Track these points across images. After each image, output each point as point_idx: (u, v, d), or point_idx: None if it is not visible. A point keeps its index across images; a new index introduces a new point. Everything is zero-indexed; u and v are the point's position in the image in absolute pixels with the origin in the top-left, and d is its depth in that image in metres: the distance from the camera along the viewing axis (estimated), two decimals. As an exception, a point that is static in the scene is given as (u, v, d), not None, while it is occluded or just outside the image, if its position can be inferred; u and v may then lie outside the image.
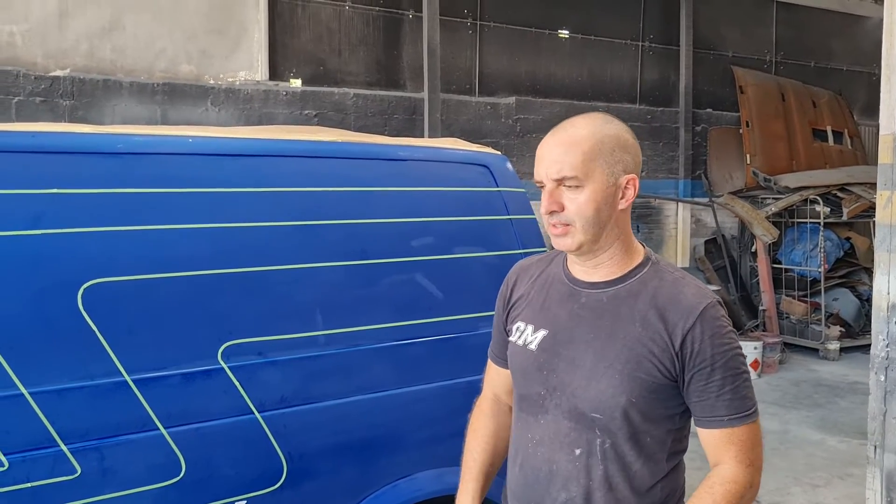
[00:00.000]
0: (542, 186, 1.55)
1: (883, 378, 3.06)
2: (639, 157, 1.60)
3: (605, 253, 1.58)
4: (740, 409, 1.50)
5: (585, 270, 1.62)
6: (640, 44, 8.80)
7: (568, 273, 1.66)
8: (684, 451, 1.64)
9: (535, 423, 1.63)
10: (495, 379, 1.86)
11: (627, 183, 1.55)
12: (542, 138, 1.60)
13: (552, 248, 1.68)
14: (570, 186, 1.51)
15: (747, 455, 1.51)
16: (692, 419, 1.58)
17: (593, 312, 1.58)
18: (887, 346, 3.04)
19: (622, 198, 1.56)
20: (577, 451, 1.55)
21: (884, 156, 3.06)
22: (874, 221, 3.59)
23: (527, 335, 1.66)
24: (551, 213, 1.52)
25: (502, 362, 1.81)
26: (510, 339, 1.72)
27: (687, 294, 1.54)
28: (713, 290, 6.31)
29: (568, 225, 1.52)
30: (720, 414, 1.50)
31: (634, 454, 1.54)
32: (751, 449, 1.52)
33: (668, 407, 1.54)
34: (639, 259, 1.61)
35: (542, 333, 1.63)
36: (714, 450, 1.53)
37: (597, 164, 1.51)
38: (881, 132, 3.08)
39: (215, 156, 2.32)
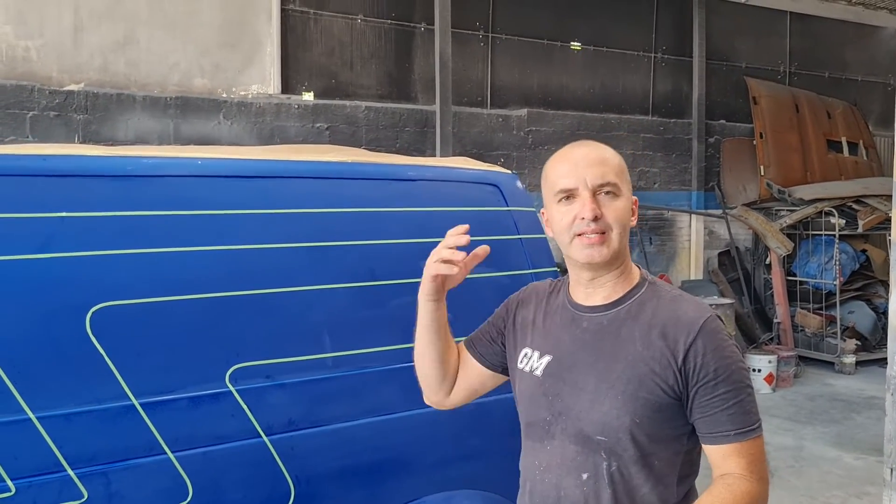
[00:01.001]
0: (572, 197, 1.54)
1: (899, 400, 3.01)
2: None
3: (615, 270, 1.59)
4: (746, 423, 1.50)
5: (587, 293, 1.63)
6: (653, 55, 8.77)
7: (570, 299, 1.67)
8: (695, 474, 1.62)
9: (542, 450, 1.63)
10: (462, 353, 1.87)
11: (635, 203, 1.62)
12: (554, 150, 1.64)
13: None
14: (608, 193, 1.53)
15: (757, 468, 1.50)
16: (699, 437, 1.56)
17: (595, 336, 1.59)
18: (904, 367, 3.00)
19: (633, 215, 1.61)
20: (585, 476, 1.55)
21: (899, 173, 3.02)
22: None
23: (532, 361, 1.68)
24: (596, 218, 1.51)
25: (472, 348, 1.84)
26: (518, 365, 1.72)
27: (686, 310, 1.55)
28: (728, 303, 6.24)
29: (604, 233, 1.53)
30: (726, 428, 1.49)
31: (643, 477, 1.53)
32: (759, 462, 1.51)
33: (674, 427, 1.53)
34: (635, 280, 1.63)
35: (546, 359, 1.65)
36: (723, 463, 1.51)
37: (624, 179, 1.58)
38: (897, 150, 3.03)
39: (224, 177, 2.33)
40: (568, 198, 1.54)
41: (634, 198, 1.62)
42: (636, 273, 1.64)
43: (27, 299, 1.98)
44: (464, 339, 1.90)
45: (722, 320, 1.58)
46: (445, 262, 1.59)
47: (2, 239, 1.96)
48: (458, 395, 1.86)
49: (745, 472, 1.48)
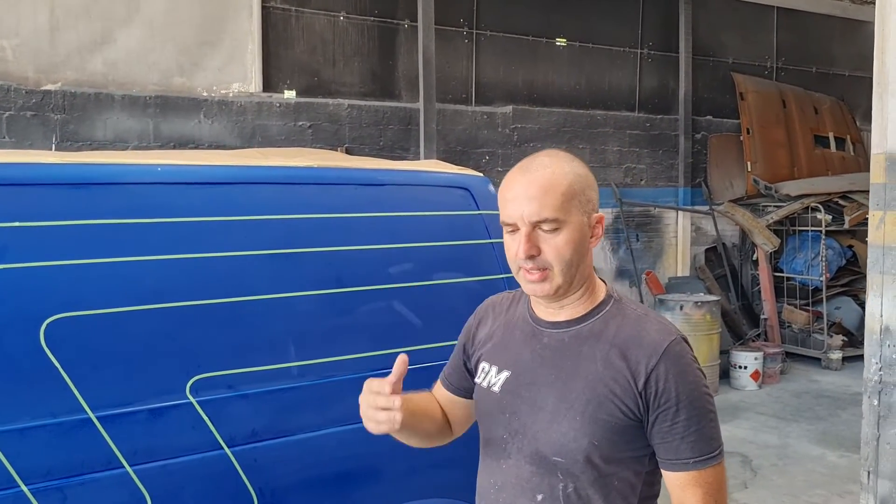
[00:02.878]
0: (514, 230, 1.48)
1: (876, 402, 3.00)
2: (598, 194, 1.57)
3: (574, 294, 1.54)
4: (706, 450, 1.45)
5: (550, 311, 1.57)
6: (639, 51, 8.73)
7: (532, 313, 1.61)
8: (656, 495, 1.58)
9: (498, 468, 1.58)
10: (436, 393, 1.83)
11: (597, 222, 1.53)
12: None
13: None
14: (547, 230, 1.45)
15: (714, 498, 1.46)
16: (658, 461, 1.52)
17: (555, 353, 1.54)
18: (880, 370, 2.98)
19: (592, 237, 1.53)
20: (539, 497, 1.50)
21: (876, 175, 2.99)
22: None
23: (490, 377, 1.63)
24: (530, 257, 1.45)
25: (450, 385, 1.79)
26: (476, 380, 1.68)
27: (650, 331, 1.49)
28: (714, 299, 6.21)
29: (545, 269, 1.47)
30: (685, 456, 1.45)
31: (600, 499, 1.48)
32: (717, 491, 1.47)
33: (634, 449, 1.49)
34: (601, 297, 1.57)
35: (504, 375, 1.59)
36: (679, 492, 1.48)
37: (573, 205, 1.47)
38: (873, 151, 3.01)
39: (185, 184, 2.28)
40: (513, 230, 1.48)
41: (599, 214, 1.52)
42: (602, 290, 1.58)
43: (-22, 312, 1.93)
44: (439, 377, 1.85)
45: (687, 342, 1.52)
46: (385, 409, 1.47)
47: (-49, 250, 1.92)
48: (458, 428, 1.84)
49: (701, 502, 1.45)
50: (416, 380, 2.53)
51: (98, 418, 2.01)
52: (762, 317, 8.77)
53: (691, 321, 7.10)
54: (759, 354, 7.61)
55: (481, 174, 2.89)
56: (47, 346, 1.97)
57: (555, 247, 1.45)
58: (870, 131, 9.47)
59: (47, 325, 1.98)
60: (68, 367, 1.98)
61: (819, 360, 8.35)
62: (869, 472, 3.03)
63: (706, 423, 1.46)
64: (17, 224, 1.99)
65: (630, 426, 1.46)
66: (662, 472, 1.50)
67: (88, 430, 2.00)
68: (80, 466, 1.98)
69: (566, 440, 1.47)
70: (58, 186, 2.08)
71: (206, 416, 2.14)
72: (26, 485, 1.91)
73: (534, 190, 1.45)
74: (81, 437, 1.99)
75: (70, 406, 1.98)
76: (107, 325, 2.05)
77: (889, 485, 2.97)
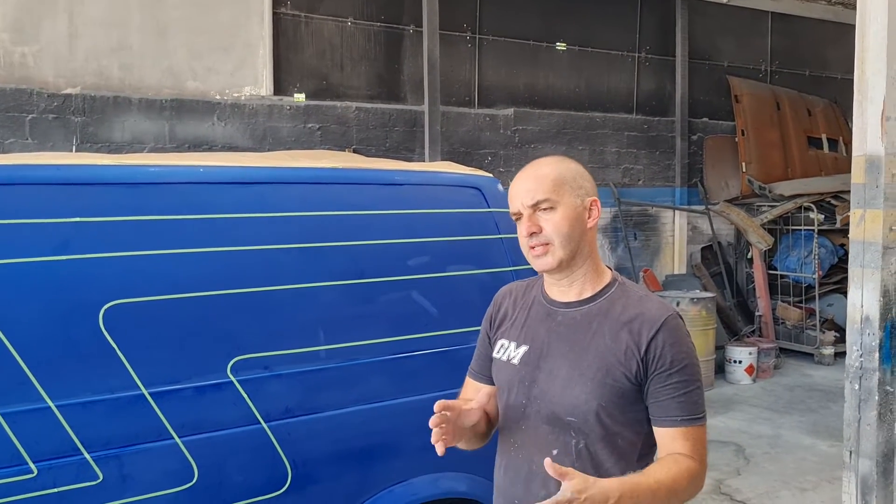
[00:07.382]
0: (519, 218, 1.77)
1: (857, 387, 3.22)
2: (595, 186, 1.82)
3: (579, 270, 1.78)
4: (692, 412, 1.70)
5: (561, 291, 1.81)
6: (637, 55, 8.96)
7: (546, 295, 1.86)
8: (654, 452, 1.81)
9: (518, 430, 1.82)
10: (469, 393, 1.99)
11: (591, 204, 1.78)
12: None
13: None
14: (544, 209, 1.72)
15: (698, 451, 1.70)
16: (650, 420, 1.74)
17: (568, 329, 1.78)
18: (861, 357, 3.20)
19: (589, 217, 1.78)
20: (555, 452, 1.73)
21: (856, 176, 3.22)
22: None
23: (510, 351, 1.86)
24: (531, 234, 1.72)
25: (482, 378, 1.97)
26: (494, 355, 1.90)
27: (651, 308, 1.74)
28: (710, 296, 6.43)
29: (547, 244, 1.72)
30: (674, 414, 1.69)
31: (607, 454, 1.72)
32: (702, 446, 1.71)
33: (636, 410, 1.72)
34: (607, 280, 1.82)
35: (523, 349, 1.83)
36: (670, 444, 1.70)
37: (564, 189, 1.74)
38: (854, 153, 3.24)
39: (224, 184, 2.51)
40: (518, 219, 1.77)
41: (592, 198, 1.78)
42: (608, 274, 1.83)
43: (46, 298, 2.16)
44: (468, 372, 2.01)
45: (682, 319, 1.77)
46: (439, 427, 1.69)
47: (22, 242, 2.14)
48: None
49: (689, 452, 1.68)
50: (431, 363, 2.78)
51: (150, 394, 2.23)
52: (756, 313, 9.00)
53: (687, 317, 7.33)
54: (754, 350, 7.84)
55: (491, 175, 3.11)
56: (105, 328, 2.20)
57: (552, 223, 1.73)
58: (860, 133, 9.61)
59: (105, 310, 2.20)
60: (124, 348, 2.21)
61: (812, 355, 8.58)
62: (851, 452, 3.25)
63: (694, 389, 1.71)
64: (78, 219, 2.22)
65: (632, 389, 1.70)
66: (654, 428, 1.73)
67: (142, 404, 2.23)
68: (135, 437, 2.21)
69: (578, 402, 1.70)
70: (113, 185, 2.31)
71: (246, 393, 2.37)
72: (89, 453, 2.14)
73: (530, 180, 1.76)
74: (136, 411, 2.22)
75: (126, 383, 2.21)
76: (158, 310, 2.28)
77: (869, 463, 3.20)
